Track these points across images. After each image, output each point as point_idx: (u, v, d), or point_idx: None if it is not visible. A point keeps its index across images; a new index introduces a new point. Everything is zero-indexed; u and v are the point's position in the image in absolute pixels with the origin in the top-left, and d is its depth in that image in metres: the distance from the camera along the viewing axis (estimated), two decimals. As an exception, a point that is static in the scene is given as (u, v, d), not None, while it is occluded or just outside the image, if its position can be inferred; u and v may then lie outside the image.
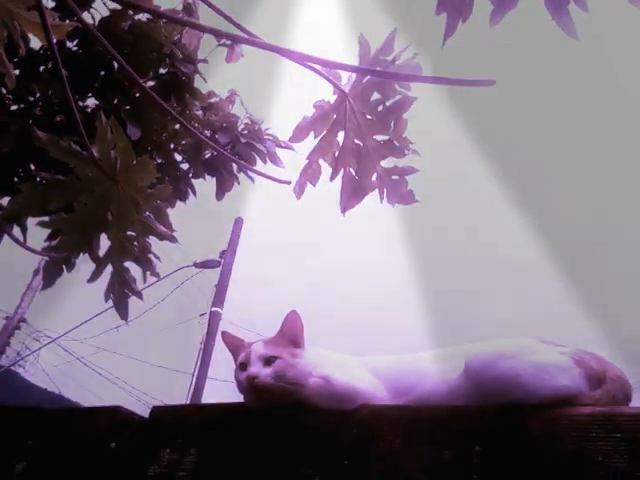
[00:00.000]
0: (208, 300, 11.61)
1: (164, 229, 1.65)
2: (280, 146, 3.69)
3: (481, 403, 1.01)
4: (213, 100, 3.85)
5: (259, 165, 3.71)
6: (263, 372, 1.13)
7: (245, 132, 3.67)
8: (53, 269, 1.68)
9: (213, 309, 10.93)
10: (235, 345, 1.25)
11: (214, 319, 10.69)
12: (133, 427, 1.32)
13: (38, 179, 2.49)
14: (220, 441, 1.21)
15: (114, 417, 1.35)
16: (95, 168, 1.58)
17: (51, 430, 1.40)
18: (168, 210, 3.41)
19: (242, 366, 1.18)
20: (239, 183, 3.76)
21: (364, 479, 0.97)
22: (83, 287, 1.84)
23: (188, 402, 9.68)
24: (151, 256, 1.69)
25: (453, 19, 1.10)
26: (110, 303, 1.78)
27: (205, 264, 12.18)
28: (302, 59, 1.31)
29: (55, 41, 1.56)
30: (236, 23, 1.50)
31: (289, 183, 1.54)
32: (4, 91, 2.72)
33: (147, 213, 1.69)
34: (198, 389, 9.77)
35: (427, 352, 1.24)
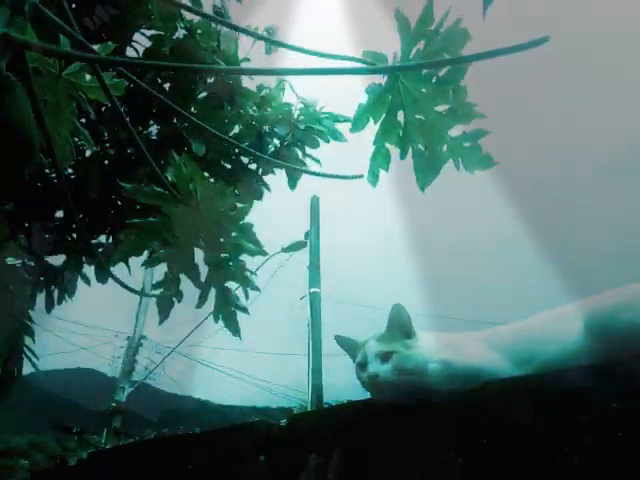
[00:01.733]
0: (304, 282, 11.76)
1: (252, 246, 1.72)
2: (339, 121, 3.69)
3: (607, 360, 1.00)
4: (264, 93, 3.88)
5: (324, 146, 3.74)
6: (382, 369, 1.17)
7: (302, 117, 3.69)
8: (165, 304, 1.79)
9: (311, 290, 11.07)
10: (349, 346, 1.30)
11: (315, 299, 10.83)
12: (277, 438, 1.40)
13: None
14: (360, 438, 1.27)
15: (258, 431, 1.44)
16: (180, 204, 1.67)
17: (205, 452, 1.51)
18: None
19: (361, 366, 1.22)
20: (306, 169, 3.79)
21: (504, 454, 1.00)
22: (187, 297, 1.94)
23: (310, 383, 9.94)
24: (247, 273, 1.77)
25: None
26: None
27: (292, 247, 12.36)
28: (340, 60, 1.31)
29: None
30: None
31: (361, 177, 1.55)
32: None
33: (234, 234, 1.76)
34: (316, 370, 9.97)
35: (540, 316, 1.23)
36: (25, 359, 2.26)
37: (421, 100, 1.44)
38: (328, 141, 3.78)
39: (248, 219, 1.85)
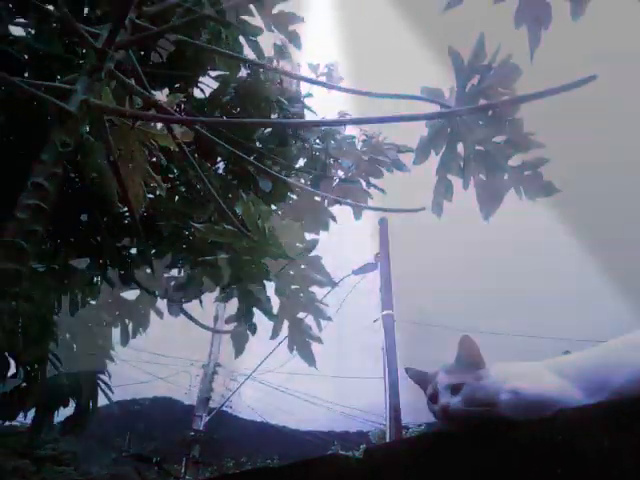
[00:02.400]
0: (376, 305, 11.74)
1: (321, 277, 1.77)
2: (400, 151, 3.73)
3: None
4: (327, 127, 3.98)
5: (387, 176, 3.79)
6: (453, 401, 1.18)
7: (365, 149, 3.75)
8: (240, 338, 1.87)
9: (384, 312, 11.01)
10: (420, 379, 1.31)
11: (388, 322, 10.78)
12: (353, 471, 1.42)
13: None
14: (435, 469, 1.27)
15: (334, 464, 1.46)
16: (249, 239, 1.75)
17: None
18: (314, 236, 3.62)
19: (432, 398, 1.23)
20: (372, 197, 3.85)
21: (580, 483, 0.99)
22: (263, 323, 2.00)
23: (387, 405, 9.85)
24: (318, 304, 1.82)
25: (535, 30, 1.09)
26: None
27: (362, 269, 12.37)
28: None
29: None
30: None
31: (423, 209, 1.59)
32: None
33: (303, 266, 1.82)
34: (393, 392, 9.87)
35: (611, 342, 1.21)
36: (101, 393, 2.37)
37: (479, 132, 1.47)
38: (391, 171, 3.83)
39: (318, 246, 1.92)
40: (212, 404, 14.97)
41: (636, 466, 0.93)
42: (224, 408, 15.19)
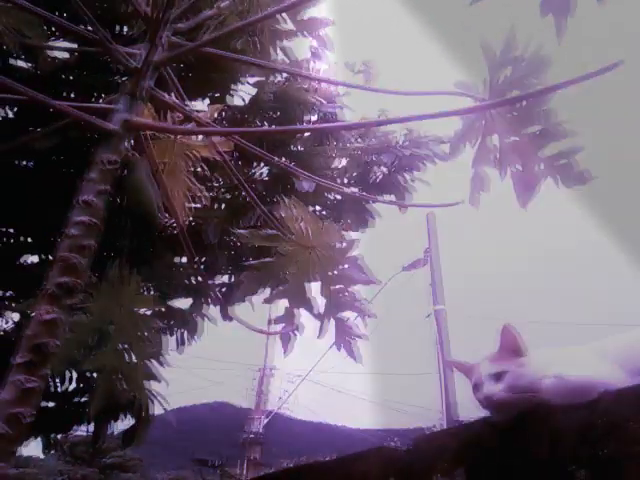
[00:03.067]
0: (428, 300, 11.70)
1: (362, 276, 1.80)
2: (443, 142, 3.71)
3: None
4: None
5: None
6: (496, 389, 1.19)
7: (406, 143, 3.74)
8: (287, 337, 1.92)
9: (436, 307, 10.98)
10: (464, 369, 1.33)
11: (440, 317, 10.74)
12: (401, 460, 1.44)
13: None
14: (483, 457, 1.29)
15: (382, 455, 1.49)
16: (292, 243, 1.79)
17: (336, 478, 1.58)
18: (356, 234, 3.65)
19: (476, 387, 1.25)
20: (415, 191, 3.85)
21: (624, 463, 0.99)
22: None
23: (442, 400, 9.81)
24: (360, 302, 1.85)
25: (561, 18, 1.09)
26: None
27: (412, 265, 12.36)
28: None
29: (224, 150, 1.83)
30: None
31: (460, 203, 1.60)
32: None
33: (346, 266, 1.85)
34: (448, 388, 9.81)
35: None
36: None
37: (513, 123, 1.47)
38: (435, 163, 3.81)
39: (365, 245, 1.94)
40: (269, 406, 15.14)
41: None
42: (281, 410, 15.34)
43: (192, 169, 1.69)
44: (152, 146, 1.53)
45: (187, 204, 1.69)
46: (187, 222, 3.35)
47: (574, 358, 1.23)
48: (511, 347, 1.27)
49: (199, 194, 1.79)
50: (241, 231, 1.69)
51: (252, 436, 13.90)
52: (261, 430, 14.10)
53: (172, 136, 1.56)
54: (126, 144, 1.08)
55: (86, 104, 1.31)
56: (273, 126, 3.58)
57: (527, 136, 1.46)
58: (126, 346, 1.71)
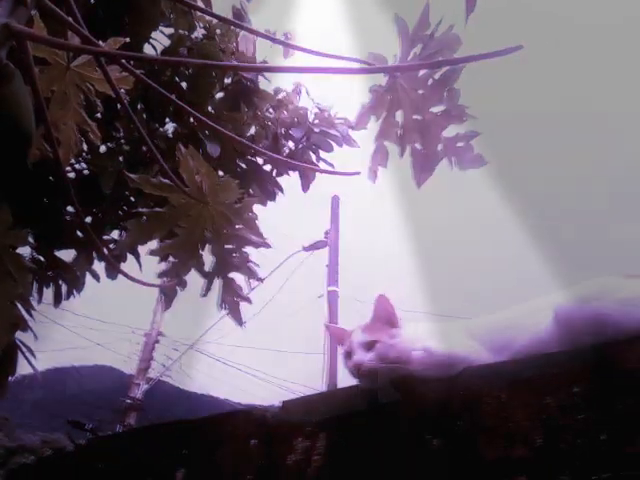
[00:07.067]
0: (323, 281, 11.91)
1: (256, 238, 1.77)
2: (352, 127, 3.74)
3: (575, 346, 1.05)
4: (281, 96, 3.95)
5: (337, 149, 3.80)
6: (366, 358, 1.22)
7: (316, 121, 3.75)
8: (170, 292, 1.85)
9: (329, 288, 11.22)
10: (338, 335, 1.35)
11: (332, 298, 10.97)
12: (268, 423, 1.45)
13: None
14: (345, 422, 1.31)
15: (250, 417, 1.48)
16: (186, 195, 1.72)
17: (201, 437, 1.56)
18: (263, 208, 3.60)
19: (347, 355, 1.27)
20: (310, 166, 3.85)
21: (477, 435, 1.04)
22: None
23: (325, 381, 10.03)
24: (251, 265, 1.82)
25: None
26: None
27: (313, 246, 12.52)
28: (344, 60, 1.36)
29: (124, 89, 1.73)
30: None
31: (358, 173, 1.60)
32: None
33: (240, 226, 1.81)
34: (332, 368, 10.05)
35: (519, 306, 1.28)
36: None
37: (418, 101, 1.49)
38: (342, 145, 3.85)
39: (274, 220, 1.90)
40: (153, 374, 14.84)
41: (528, 417, 0.99)
42: (165, 378, 15.09)
43: (84, 103, 1.57)
44: (39, 71, 1.41)
45: (75, 140, 1.58)
46: (82, 167, 3.18)
47: (444, 333, 1.28)
48: (385, 318, 1.30)
49: (91, 132, 1.68)
50: (130, 174, 1.60)
51: (129, 402, 13.60)
52: (140, 396, 13.81)
53: (64, 63, 1.45)
54: (3, 53, 0.98)
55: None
56: (184, 84, 3.45)
57: (431, 115, 1.49)
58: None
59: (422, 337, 1.25)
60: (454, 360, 1.18)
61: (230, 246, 1.84)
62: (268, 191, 3.77)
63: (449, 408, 1.12)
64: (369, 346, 1.24)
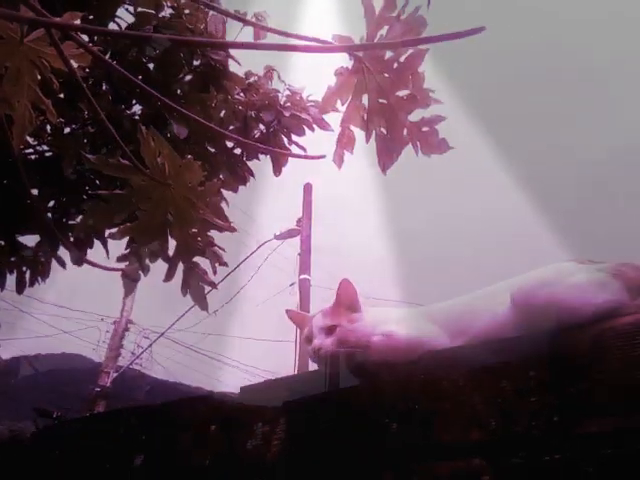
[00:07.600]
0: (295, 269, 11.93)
1: (221, 222, 1.74)
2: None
3: (531, 331, 1.05)
4: (252, 80, 3.89)
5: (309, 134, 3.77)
6: (326, 342, 1.21)
7: (288, 104, 3.71)
8: (131, 277, 1.82)
9: (301, 276, 11.24)
10: (299, 320, 1.34)
11: (304, 286, 11.00)
12: (227, 408, 1.43)
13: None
14: (305, 407, 1.30)
15: (209, 403, 1.47)
16: (147, 177, 1.68)
17: (159, 423, 1.54)
18: (234, 195, 3.55)
19: (307, 339, 1.26)
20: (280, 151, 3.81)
21: (435, 418, 1.04)
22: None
23: (296, 369, 10.06)
24: (216, 249, 1.79)
25: None
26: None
27: (285, 234, 12.50)
28: (309, 41, 1.34)
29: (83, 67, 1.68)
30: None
31: (324, 157, 1.58)
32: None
33: (205, 209, 1.78)
34: (303, 356, 10.08)
35: (478, 292, 1.28)
36: None
37: (383, 84, 1.47)
38: (313, 129, 3.81)
39: (248, 207, 1.87)
40: (122, 362, 14.71)
41: (484, 400, 0.99)
42: (135, 366, 14.98)
43: (39, 78, 1.52)
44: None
45: (30, 118, 1.52)
46: (44, 149, 3.10)
47: (404, 319, 1.28)
48: (347, 302, 1.29)
49: (47, 111, 1.62)
50: (89, 156, 1.55)
51: (98, 390, 13.46)
52: (109, 385, 13.68)
53: (19, 38, 1.40)
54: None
55: None
56: (151, 65, 3.37)
57: (396, 98, 1.47)
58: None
59: (383, 322, 1.25)
60: (414, 345, 1.18)
61: (194, 230, 1.81)
62: (239, 175, 3.72)
63: (407, 392, 1.11)
64: (330, 330, 1.23)
